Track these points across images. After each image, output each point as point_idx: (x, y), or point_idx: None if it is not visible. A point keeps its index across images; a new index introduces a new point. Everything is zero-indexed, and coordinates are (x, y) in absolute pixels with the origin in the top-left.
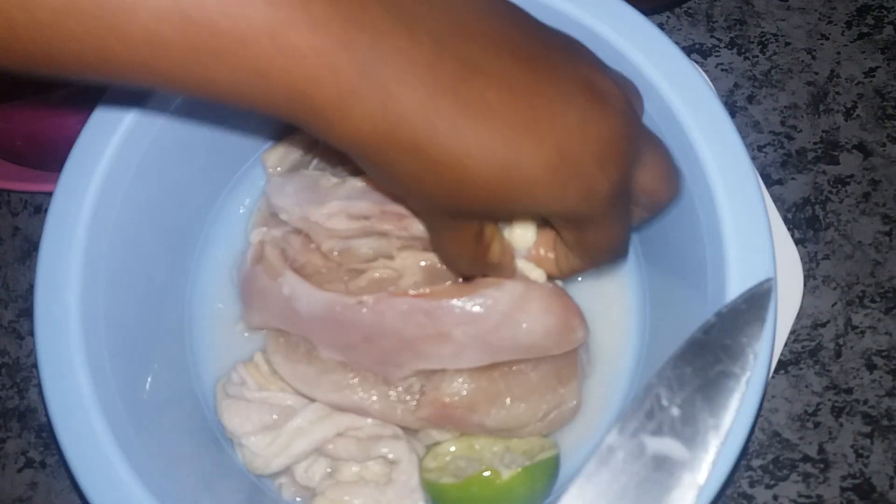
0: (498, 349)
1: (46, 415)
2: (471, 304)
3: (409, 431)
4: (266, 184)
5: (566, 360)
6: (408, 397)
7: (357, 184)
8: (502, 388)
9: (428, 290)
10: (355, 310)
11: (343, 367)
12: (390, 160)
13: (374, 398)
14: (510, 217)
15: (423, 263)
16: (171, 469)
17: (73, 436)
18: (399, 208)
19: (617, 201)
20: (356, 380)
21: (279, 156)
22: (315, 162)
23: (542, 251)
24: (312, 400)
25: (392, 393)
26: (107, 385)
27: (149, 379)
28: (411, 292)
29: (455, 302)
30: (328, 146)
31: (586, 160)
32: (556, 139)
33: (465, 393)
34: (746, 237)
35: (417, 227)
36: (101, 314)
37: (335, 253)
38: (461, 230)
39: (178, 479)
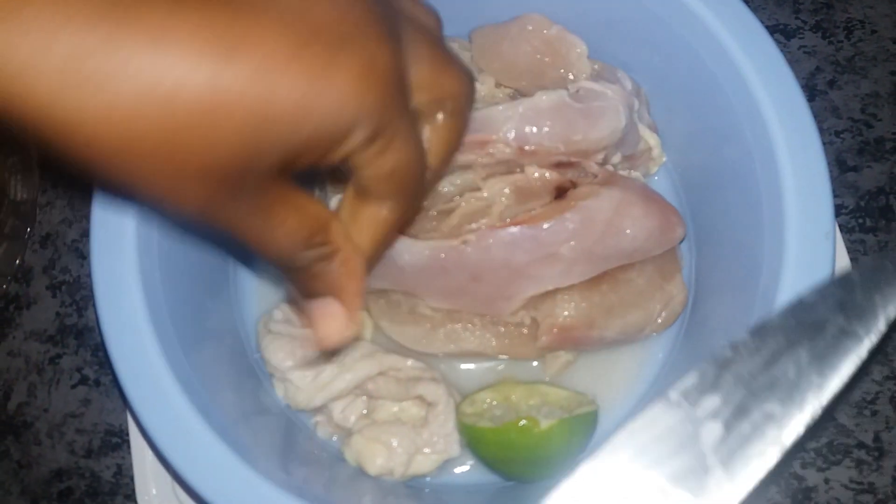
0: (604, 258)
1: (101, 334)
2: (576, 220)
3: (451, 384)
4: None
5: (667, 256)
6: (524, 330)
7: None
8: (614, 299)
9: (528, 215)
10: (460, 251)
11: (450, 318)
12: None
13: (490, 338)
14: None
15: (507, 189)
16: (215, 397)
17: (125, 351)
18: (480, 135)
19: (403, 94)
20: (467, 327)
21: None
22: None
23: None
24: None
25: (503, 329)
26: (159, 307)
27: (196, 309)
28: (509, 220)
29: (560, 220)
30: None
31: (339, 42)
32: (290, 32)
33: (581, 311)
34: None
35: (502, 150)
36: (155, 239)
37: None
38: (262, 202)
39: (222, 407)
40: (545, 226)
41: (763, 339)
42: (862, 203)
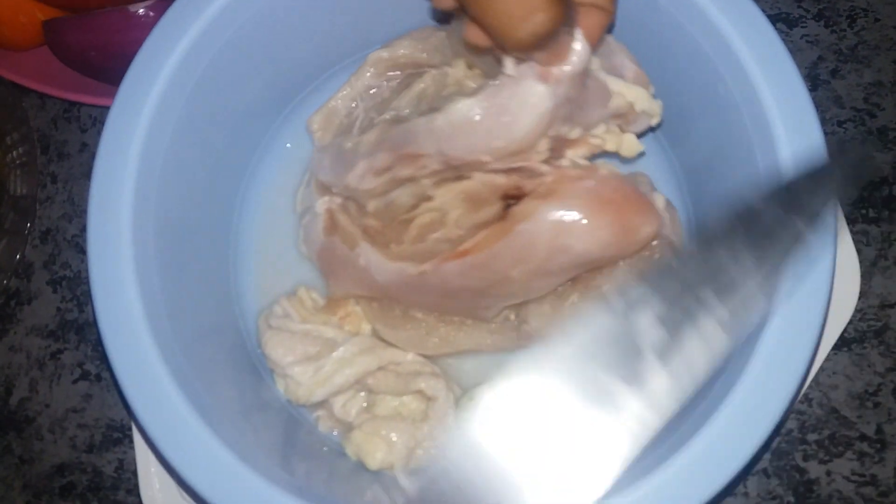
0: (563, 271)
1: (98, 331)
2: (515, 246)
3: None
4: (311, 158)
5: (644, 257)
6: (512, 324)
7: (370, 137)
8: (584, 308)
9: (473, 243)
10: (423, 278)
11: (443, 320)
12: None
13: (484, 335)
14: None
15: (461, 196)
16: (215, 394)
17: (122, 349)
18: (412, 148)
19: None
20: (461, 328)
21: (323, 118)
22: (360, 119)
23: None
24: (426, 356)
25: (494, 327)
26: (156, 304)
27: (195, 306)
28: (460, 248)
29: (498, 249)
30: (370, 99)
31: None
32: None
33: (553, 321)
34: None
35: (435, 162)
36: (152, 235)
37: (382, 210)
38: None
39: (221, 405)
40: (487, 254)
41: (702, 245)
42: (865, 193)
